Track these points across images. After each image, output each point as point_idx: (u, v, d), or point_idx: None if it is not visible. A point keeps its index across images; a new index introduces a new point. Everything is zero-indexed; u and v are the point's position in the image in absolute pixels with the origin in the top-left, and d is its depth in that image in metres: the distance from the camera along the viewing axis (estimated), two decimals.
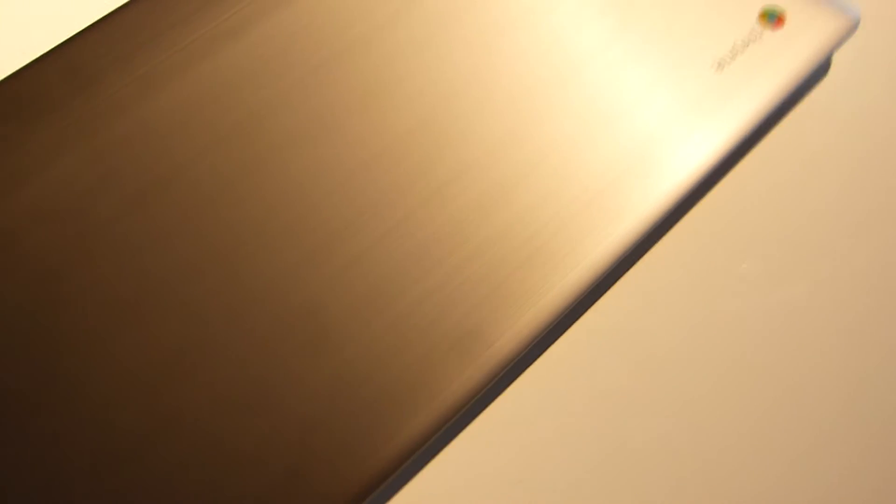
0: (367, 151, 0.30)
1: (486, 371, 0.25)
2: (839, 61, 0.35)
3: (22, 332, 0.27)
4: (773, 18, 0.33)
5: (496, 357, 0.26)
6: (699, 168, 0.30)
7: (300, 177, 0.30)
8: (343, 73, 0.32)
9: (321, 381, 0.25)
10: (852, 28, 0.33)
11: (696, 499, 0.27)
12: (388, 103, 0.31)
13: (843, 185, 0.32)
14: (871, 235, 0.30)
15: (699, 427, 0.27)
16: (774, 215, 0.31)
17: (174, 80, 0.32)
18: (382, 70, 0.32)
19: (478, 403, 0.28)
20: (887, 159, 0.32)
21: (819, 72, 0.34)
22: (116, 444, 0.25)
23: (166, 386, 0.26)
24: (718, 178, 0.32)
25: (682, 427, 0.27)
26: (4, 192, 0.30)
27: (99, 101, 0.32)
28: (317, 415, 0.25)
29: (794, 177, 0.32)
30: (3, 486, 0.25)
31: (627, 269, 0.30)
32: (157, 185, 0.30)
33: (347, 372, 0.25)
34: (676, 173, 0.30)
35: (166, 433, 0.25)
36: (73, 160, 0.30)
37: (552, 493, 0.26)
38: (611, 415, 0.27)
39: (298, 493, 0.25)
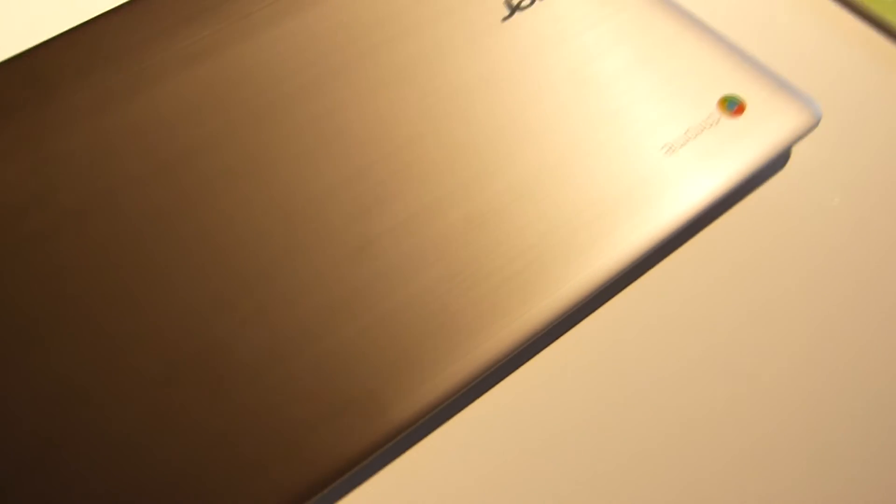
0: (302, 195, 0.30)
1: (373, 442, 0.25)
2: (799, 154, 0.35)
3: None
4: (732, 106, 0.33)
5: (389, 425, 0.26)
6: (630, 251, 0.30)
7: (231, 214, 0.29)
8: (295, 112, 0.32)
9: (217, 424, 0.26)
10: (813, 124, 0.33)
11: None
12: (331, 148, 0.32)
13: (782, 285, 0.31)
14: (792, 344, 0.30)
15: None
16: (704, 307, 0.31)
17: (130, 99, 0.32)
18: (336, 111, 0.33)
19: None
20: (834, 263, 0.32)
21: (776, 164, 0.34)
22: None
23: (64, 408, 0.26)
24: (654, 262, 0.32)
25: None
26: None
27: (53, 112, 0.32)
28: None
29: (733, 270, 0.32)
30: None
31: (543, 348, 0.30)
32: (93, 204, 0.30)
33: (240, 421, 0.26)
34: (607, 253, 0.30)
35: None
36: (16, 169, 0.30)
37: None
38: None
39: None
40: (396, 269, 0.29)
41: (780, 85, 0.33)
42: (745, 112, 0.32)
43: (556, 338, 0.30)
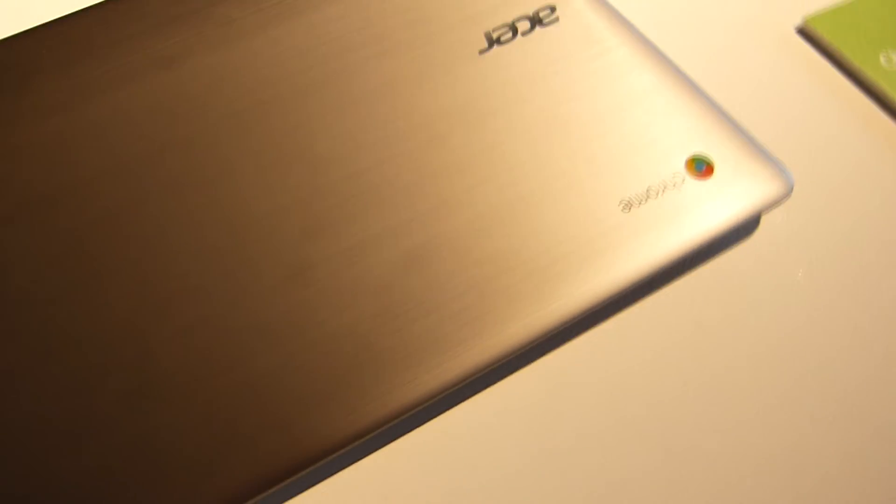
0: (252, 210, 0.30)
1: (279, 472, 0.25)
2: (770, 222, 0.33)
3: None
4: (700, 167, 0.32)
5: (299, 455, 0.25)
6: (574, 304, 0.29)
7: (179, 222, 0.29)
8: (260, 125, 0.32)
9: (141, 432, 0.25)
10: (784, 195, 0.31)
11: None
12: (290, 166, 0.31)
13: (729, 359, 0.30)
14: (729, 423, 0.29)
15: None
16: (642, 373, 0.30)
17: (104, 95, 0.32)
18: (301, 128, 0.32)
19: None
20: (789, 344, 0.31)
21: (744, 229, 0.33)
22: None
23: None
24: (599, 318, 0.31)
25: None
26: None
27: (27, 100, 0.32)
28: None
29: (679, 338, 0.30)
30: None
31: (473, 394, 0.29)
32: (50, 196, 0.30)
33: (162, 433, 0.25)
34: (551, 303, 0.29)
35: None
36: None
37: None
38: None
39: None
40: (330, 298, 0.28)
41: (755, 150, 0.32)
42: (713, 175, 0.31)
43: (490, 384, 0.29)
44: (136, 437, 0.25)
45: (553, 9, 0.35)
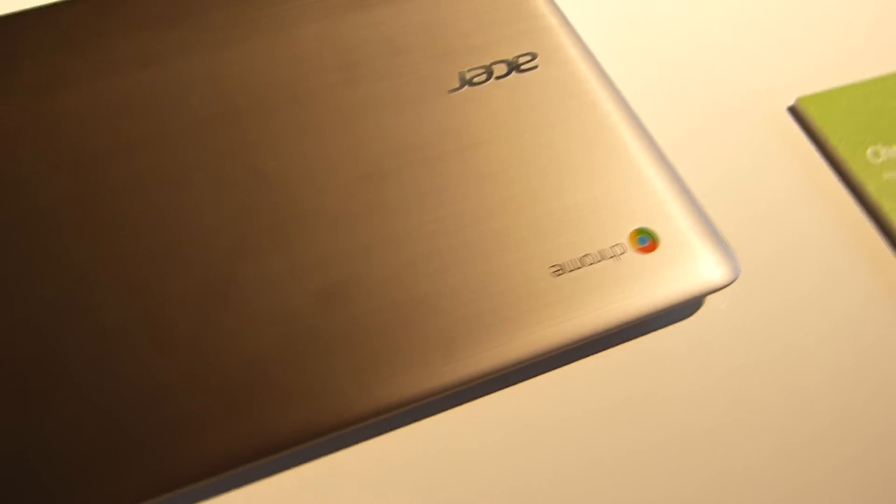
0: (188, 223, 0.30)
1: None
2: (713, 306, 0.32)
3: None
4: (644, 241, 0.31)
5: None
6: (480, 366, 0.28)
7: (120, 223, 0.30)
8: (219, 136, 0.32)
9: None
10: (726, 283, 0.30)
11: None
12: (237, 182, 0.31)
13: (637, 442, 0.30)
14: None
15: None
16: (554, 439, 0.29)
17: (74, 87, 0.33)
18: (258, 144, 0.32)
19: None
20: (704, 440, 0.30)
21: (682, 310, 0.32)
22: None
23: None
24: (508, 382, 0.30)
25: None
26: None
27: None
28: None
29: (593, 408, 0.30)
30: None
31: (367, 438, 0.29)
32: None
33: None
34: (466, 359, 0.28)
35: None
36: None
37: None
38: None
39: None
40: (242, 322, 0.28)
41: (707, 231, 0.31)
42: (656, 251, 0.30)
43: (382, 432, 0.29)
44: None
45: (534, 56, 0.35)
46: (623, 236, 0.31)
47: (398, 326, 0.28)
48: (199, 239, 0.30)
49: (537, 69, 0.35)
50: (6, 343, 0.27)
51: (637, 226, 0.31)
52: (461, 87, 0.34)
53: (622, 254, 0.30)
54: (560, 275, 0.30)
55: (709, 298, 0.32)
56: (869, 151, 0.35)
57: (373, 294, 0.29)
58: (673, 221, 0.31)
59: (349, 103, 0.33)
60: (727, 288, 0.32)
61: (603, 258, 0.30)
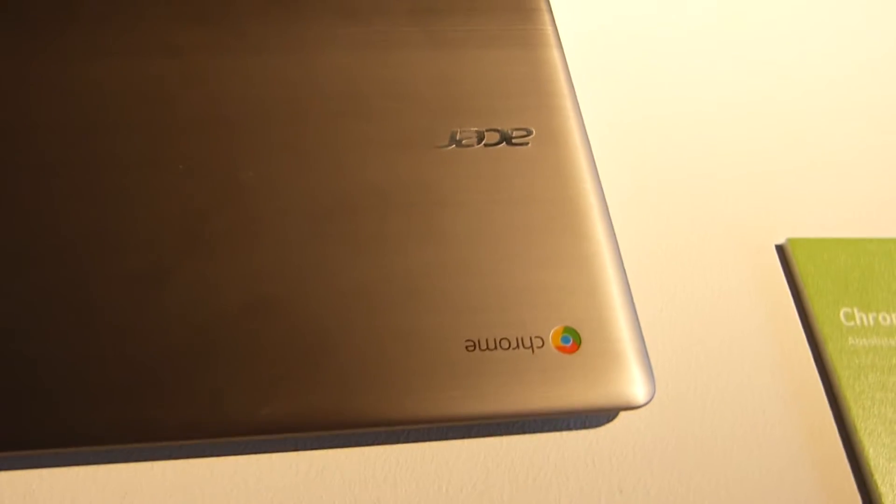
0: (139, 210, 0.32)
1: None
2: (626, 423, 0.32)
3: None
4: (567, 340, 0.31)
5: None
6: (373, 416, 0.29)
7: (88, 193, 0.32)
8: (202, 137, 0.34)
9: None
10: (637, 404, 0.30)
11: None
12: (199, 183, 0.33)
13: None
14: None
15: None
16: None
17: (100, 60, 0.35)
18: (229, 154, 0.34)
19: None
20: None
21: (591, 418, 0.32)
22: None
23: None
24: (394, 440, 0.31)
25: None
26: None
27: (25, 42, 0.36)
28: None
29: (476, 491, 0.30)
30: None
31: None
32: None
33: None
34: (351, 406, 0.29)
35: None
36: None
37: None
38: None
39: None
40: (164, 314, 0.30)
41: (633, 348, 0.31)
42: (575, 354, 0.30)
43: (265, 451, 0.30)
44: None
45: (530, 132, 0.35)
46: (547, 330, 0.31)
47: (302, 352, 0.29)
48: (158, 223, 0.32)
49: (528, 146, 0.35)
50: None
51: (566, 324, 0.31)
52: (449, 144, 0.35)
53: (540, 347, 0.30)
54: (472, 351, 0.30)
55: (623, 415, 0.32)
56: (842, 312, 0.34)
57: (292, 316, 0.30)
58: (602, 329, 0.31)
59: (339, 134, 0.34)
60: (646, 409, 0.31)
61: (520, 346, 0.30)
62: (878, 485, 0.30)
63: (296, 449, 0.30)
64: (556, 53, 0.38)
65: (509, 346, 0.30)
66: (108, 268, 0.31)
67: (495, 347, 0.30)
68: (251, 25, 0.37)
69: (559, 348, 0.30)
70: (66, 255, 0.31)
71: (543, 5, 0.40)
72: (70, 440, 0.28)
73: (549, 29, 0.39)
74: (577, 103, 0.37)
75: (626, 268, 0.33)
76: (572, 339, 0.31)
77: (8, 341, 0.29)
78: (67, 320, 0.29)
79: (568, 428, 0.32)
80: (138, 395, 0.28)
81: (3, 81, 0.34)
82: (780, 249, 0.36)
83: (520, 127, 0.35)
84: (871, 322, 0.33)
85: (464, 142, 0.35)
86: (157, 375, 0.29)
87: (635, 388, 0.30)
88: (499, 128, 0.35)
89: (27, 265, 0.30)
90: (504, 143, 0.35)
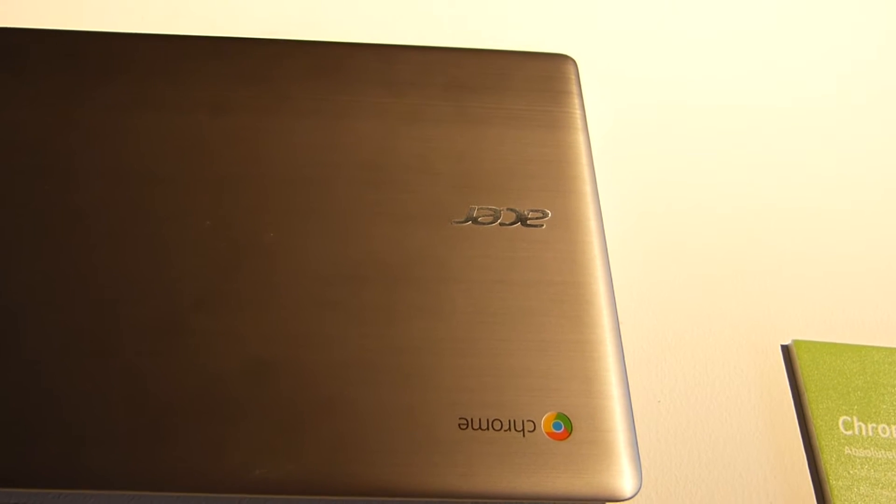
0: (167, 260, 0.34)
1: None
2: None
3: None
4: (558, 427, 0.31)
5: None
6: (360, 485, 0.30)
7: (114, 238, 0.34)
8: (231, 192, 0.36)
9: None
10: (622, 497, 0.30)
11: None
12: (222, 245, 0.34)
13: None
14: None
15: None
16: None
17: (145, 111, 0.37)
18: (258, 214, 0.36)
19: None
20: None
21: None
22: None
23: None
24: None
25: None
26: None
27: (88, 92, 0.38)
28: None
29: None
30: None
31: None
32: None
33: None
34: (343, 473, 0.30)
35: None
36: None
37: None
38: None
39: None
40: (170, 365, 0.31)
41: (625, 441, 0.31)
42: (565, 441, 0.31)
43: None
44: None
45: (546, 214, 0.36)
46: (540, 415, 0.31)
47: (297, 419, 0.31)
48: (178, 276, 0.33)
49: (542, 227, 0.36)
50: None
51: (559, 410, 0.32)
52: (465, 221, 0.36)
53: (531, 431, 0.31)
54: (464, 429, 0.31)
55: None
56: (842, 420, 0.34)
57: (289, 381, 0.31)
58: (594, 419, 0.31)
59: (360, 202, 0.36)
60: (632, 502, 0.32)
61: (511, 428, 0.31)
62: None
63: None
64: (580, 137, 0.39)
65: (501, 427, 0.31)
66: (125, 314, 0.32)
67: (487, 428, 0.31)
68: (293, 89, 0.39)
69: (550, 434, 0.31)
70: (90, 296, 0.33)
71: (574, 88, 0.41)
72: (63, 481, 0.29)
73: (577, 112, 0.40)
74: (596, 188, 0.37)
75: (627, 355, 0.33)
76: (564, 426, 0.31)
77: (29, 375, 0.31)
78: (82, 361, 0.31)
79: None
80: (139, 442, 0.30)
81: (48, 125, 0.37)
82: (786, 350, 0.36)
83: (536, 208, 0.36)
84: (871, 433, 0.33)
85: (480, 219, 0.36)
86: (160, 424, 0.30)
87: (622, 480, 0.30)
88: (516, 208, 0.36)
89: (53, 305, 0.32)
90: (519, 223, 0.36)
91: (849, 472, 0.33)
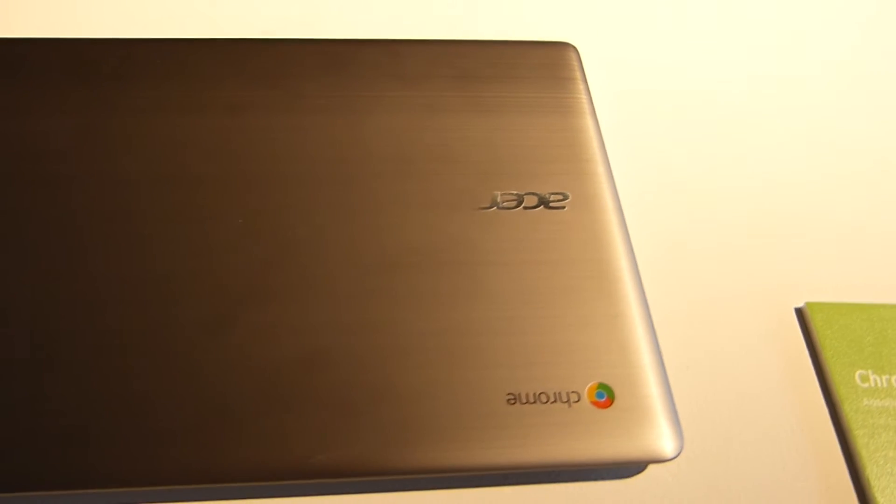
0: (208, 256, 0.34)
1: None
2: (654, 474, 0.34)
3: None
4: (601, 396, 0.33)
5: None
6: (420, 464, 0.31)
7: (152, 243, 0.34)
8: (256, 191, 0.36)
9: None
10: (667, 458, 0.32)
11: None
12: (255, 239, 0.35)
13: None
14: None
15: None
16: None
17: (164, 115, 0.38)
18: (282, 209, 0.36)
19: None
20: None
21: (621, 470, 0.34)
22: None
23: None
24: (431, 487, 0.33)
25: None
26: None
27: (115, 98, 0.38)
28: None
29: None
30: None
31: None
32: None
33: None
34: (402, 456, 0.31)
35: None
36: None
37: None
38: None
39: None
40: (226, 361, 0.32)
41: (664, 405, 0.33)
42: (609, 409, 0.33)
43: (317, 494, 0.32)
44: None
45: (566, 196, 0.38)
46: (583, 386, 0.33)
47: (354, 404, 0.31)
48: (218, 274, 0.34)
49: (564, 209, 0.37)
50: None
51: (600, 380, 0.33)
52: (490, 207, 0.37)
53: (576, 401, 0.33)
54: (513, 403, 0.32)
55: (652, 466, 0.34)
56: (858, 374, 0.36)
57: (343, 369, 0.32)
58: (634, 386, 0.33)
59: (386, 194, 0.37)
60: (674, 462, 0.33)
61: (558, 400, 0.32)
62: None
63: (346, 493, 0.32)
64: (589, 121, 0.41)
65: (547, 399, 0.32)
66: (172, 314, 0.33)
67: (535, 401, 0.32)
68: (308, 87, 0.40)
69: (594, 403, 0.33)
70: (134, 300, 0.33)
71: (578, 75, 0.43)
72: (131, 480, 0.30)
73: (584, 98, 0.42)
74: (610, 169, 0.39)
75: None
76: (606, 395, 0.33)
77: (80, 378, 0.31)
78: (136, 362, 0.32)
79: (600, 478, 0.34)
80: (201, 438, 0.30)
81: (71, 136, 0.37)
82: (800, 312, 0.38)
83: (556, 191, 0.38)
84: (885, 384, 0.36)
85: (504, 204, 0.37)
86: (222, 417, 0.31)
87: (666, 442, 0.32)
88: (537, 192, 0.38)
89: (98, 310, 0.33)
90: (542, 206, 0.37)
91: (869, 422, 0.35)
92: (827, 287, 0.39)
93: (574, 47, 0.43)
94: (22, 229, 0.34)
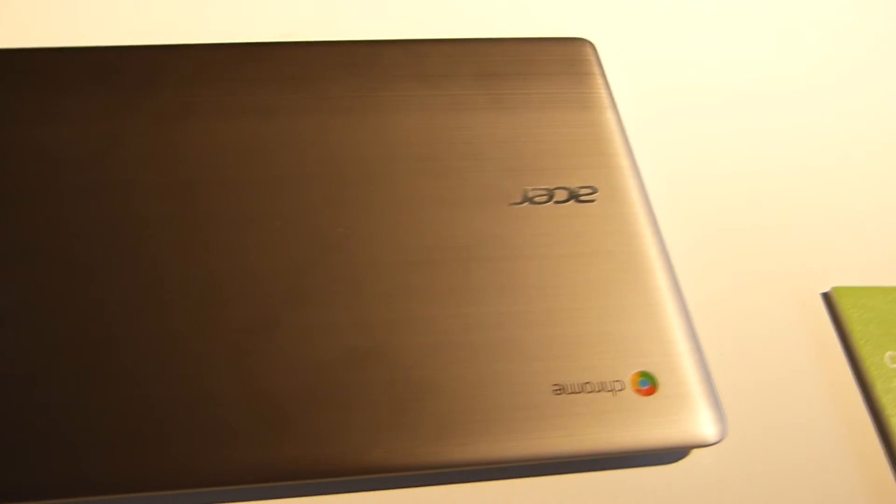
0: (248, 258, 0.34)
1: None
2: (697, 459, 0.34)
3: None
4: (644, 384, 0.33)
5: None
6: (470, 457, 0.31)
7: (193, 248, 0.34)
8: (293, 193, 0.37)
9: None
10: (712, 442, 0.33)
11: None
12: (294, 239, 0.35)
13: None
14: None
15: None
16: None
17: (195, 119, 0.38)
18: (320, 210, 0.36)
19: None
20: None
21: (665, 456, 0.34)
22: None
23: None
24: (487, 476, 0.33)
25: None
26: None
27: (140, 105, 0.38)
28: None
29: None
30: None
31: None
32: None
33: None
34: (451, 449, 0.31)
35: None
36: None
37: None
38: None
39: None
40: (272, 361, 0.32)
41: (705, 391, 0.33)
42: (653, 396, 0.33)
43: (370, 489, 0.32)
44: None
45: (595, 190, 0.38)
46: (626, 374, 0.33)
47: (403, 400, 0.32)
48: (260, 277, 0.34)
49: (594, 202, 0.38)
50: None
51: (642, 368, 0.34)
52: (522, 202, 0.37)
53: (620, 390, 0.33)
54: (559, 394, 0.33)
55: (695, 451, 0.34)
56: (888, 355, 0.37)
57: (389, 366, 0.32)
58: (676, 373, 0.34)
59: (418, 192, 0.37)
60: (715, 447, 0.34)
61: (602, 389, 0.33)
62: None
63: (399, 487, 0.32)
64: (611, 115, 0.41)
65: (592, 389, 0.33)
66: (215, 319, 0.33)
67: (580, 391, 0.33)
68: (332, 89, 0.40)
69: (638, 391, 0.33)
70: (174, 307, 0.33)
71: (596, 70, 0.43)
72: (191, 481, 0.30)
73: (604, 92, 0.42)
74: (635, 161, 0.40)
75: None
76: (650, 383, 0.33)
77: (130, 385, 0.31)
78: (180, 368, 0.32)
79: (643, 465, 0.34)
80: (254, 438, 0.30)
81: (100, 141, 0.37)
82: (826, 297, 0.39)
83: (586, 185, 0.38)
84: None
85: (535, 199, 0.38)
86: (275, 417, 0.31)
87: (710, 427, 0.33)
88: (566, 186, 0.38)
89: (138, 317, 0.33)
90: (572, 200, 0.38)
91: None
92: (852, 271, 0.40)
93: (591, 43, 0.44)
94: (59, 237, 0.34)
